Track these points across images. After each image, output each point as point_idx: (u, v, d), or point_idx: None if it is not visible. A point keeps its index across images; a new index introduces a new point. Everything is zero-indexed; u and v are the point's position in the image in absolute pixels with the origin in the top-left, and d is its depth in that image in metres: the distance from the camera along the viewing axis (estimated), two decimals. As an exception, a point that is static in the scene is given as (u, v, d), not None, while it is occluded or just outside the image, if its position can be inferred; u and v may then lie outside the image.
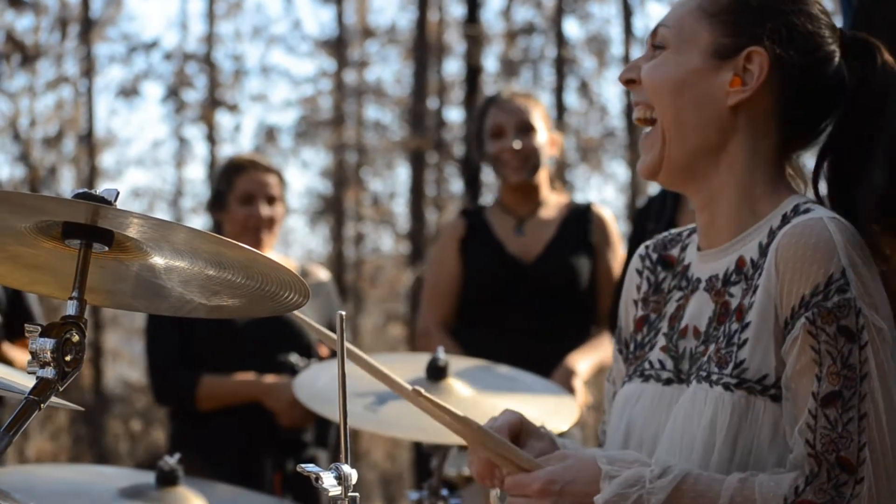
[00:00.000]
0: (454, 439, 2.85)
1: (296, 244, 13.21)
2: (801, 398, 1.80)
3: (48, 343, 1.61)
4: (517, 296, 4.11)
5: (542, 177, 4.24)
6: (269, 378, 4.00)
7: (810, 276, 1.80)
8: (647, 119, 1.98)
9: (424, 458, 3.31)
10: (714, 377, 1.87)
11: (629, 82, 2.00)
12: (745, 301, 1.88)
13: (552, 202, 4.27)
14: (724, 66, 1.93)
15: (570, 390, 3.96)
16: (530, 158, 4.17)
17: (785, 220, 1.89)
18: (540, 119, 4.22)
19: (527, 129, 4.18)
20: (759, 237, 1.91)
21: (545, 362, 3.98)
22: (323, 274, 4.33)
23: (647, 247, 2.14)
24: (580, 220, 4.25)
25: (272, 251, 4.26)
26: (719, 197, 1.96)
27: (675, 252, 2.08)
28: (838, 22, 2.09)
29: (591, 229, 4.22)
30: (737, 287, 1.91)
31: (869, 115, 1.94)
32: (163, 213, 12.93)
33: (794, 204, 1.91)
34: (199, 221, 12.85)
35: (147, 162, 13.04)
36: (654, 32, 1.99)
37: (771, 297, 1.83)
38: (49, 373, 1.61)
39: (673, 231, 2.14)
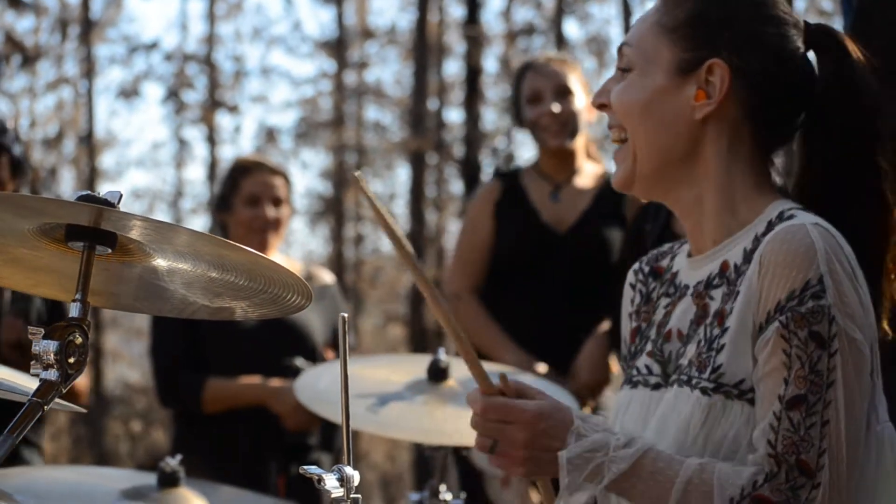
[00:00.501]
0: (455, 441, 2.85)
1: (296, 245, 13.22)
2: (766, 400, 1.81)
3: (51, 345, 1.60)
4: (548, 264, 4.06)
5: (580, 143, 4.17)
6: (275, 381, 3.99)
7: (788, 281, 1.81)
8: (623, 140, 1.99)
9: (424, 459, 3.31)
10: (693, 381, 1.88)
11: (602, 107, 2.01)
12: (727, 306, 1.89)
13: (588, 171, 4.22)
14: (687, 80, 1.93)
15: (607, 356, 3.97)
16: (569, 122, 4.11)
17: (770, 226, 1.89)
18: (577, 83, 4.15)
19: (565, 93, 4.11)
20: (744, 242, 1.92)
21: (573, 332, 3.99)
22: (328, 277, 4.31)
23: (640, 262, 2.15)
24: (616, 192, 4.19)
25: (276, 253, 4.25)
26: (699, 204, 1.97)
27: (664, 263, 2.10)
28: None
29: (625, 203, 4.11)
30: (718, 290, 1.92)
31: (841, 108, 1.94)
32: (163, 215, 12.93)
33: (779, 210, 1.92)
34: (200, 222, 12.87)
35: (147, 163, 13.09)
36: (620, 54, 1.99)
37: (750, 304, 1.84)
38: (52, 375, 1.61)
39: (666, 245, 2.16)
